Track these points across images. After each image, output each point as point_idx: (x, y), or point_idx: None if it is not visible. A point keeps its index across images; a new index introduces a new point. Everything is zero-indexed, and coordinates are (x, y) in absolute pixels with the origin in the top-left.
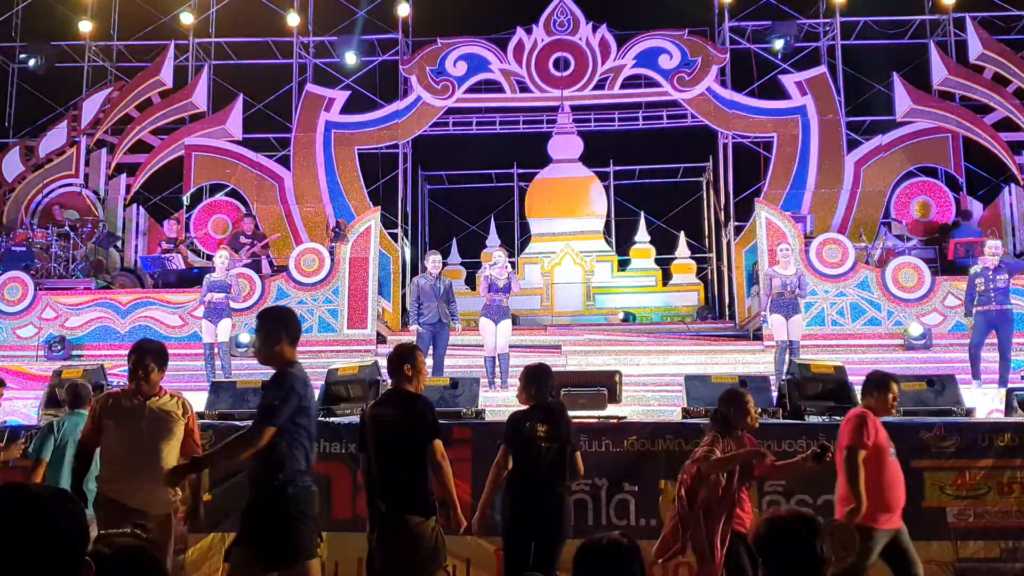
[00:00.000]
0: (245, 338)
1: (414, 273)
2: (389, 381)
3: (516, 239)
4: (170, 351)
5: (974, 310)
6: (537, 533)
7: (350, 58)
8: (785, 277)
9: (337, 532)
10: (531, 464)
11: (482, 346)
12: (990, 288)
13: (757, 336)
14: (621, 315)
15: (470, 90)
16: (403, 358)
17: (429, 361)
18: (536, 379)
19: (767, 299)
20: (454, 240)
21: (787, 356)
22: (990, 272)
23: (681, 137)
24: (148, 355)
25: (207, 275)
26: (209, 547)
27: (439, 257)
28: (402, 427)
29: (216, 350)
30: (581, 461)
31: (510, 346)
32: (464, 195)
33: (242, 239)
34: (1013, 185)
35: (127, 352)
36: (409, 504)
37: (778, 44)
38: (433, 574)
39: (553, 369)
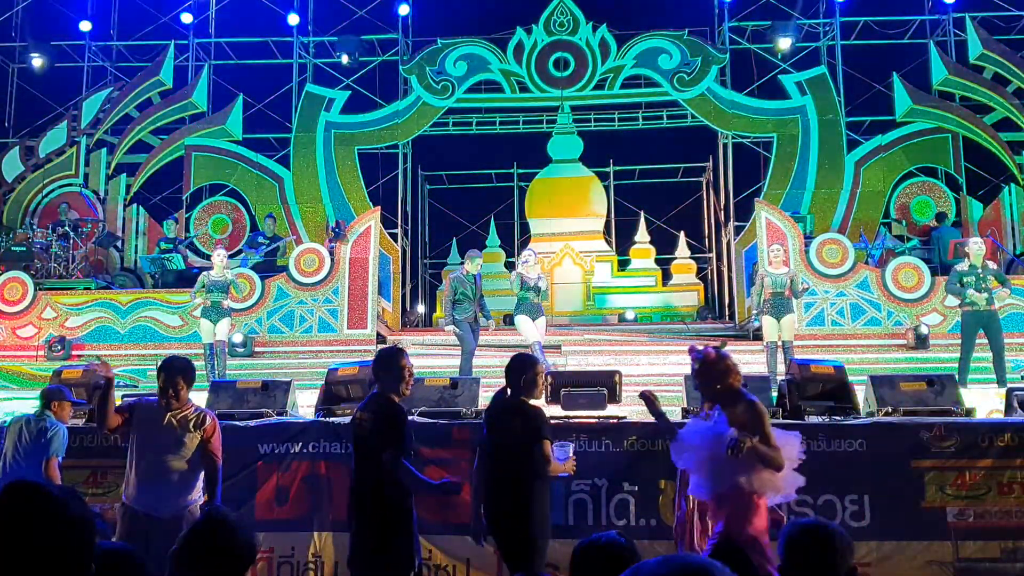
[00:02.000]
0: (239, 337)
1: (414, 273)
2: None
3: (516, 239)
4: (170, 351)
5: (964, 310)
6: (497, 531)
7: (345, 59)
8: (776, 277)
9: (337, 532)
10: (485, 462)
11: (493, 346)
12: (980, 288)
13: (757, 336)
14: (632, 314)
15: (470, 90)
16: (379, 363)
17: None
18: (507, 372)
19: (759, 299)
20: (454, 240)
21: (778, 357)
22: (979, 271)
23: (681, 137)
24: (178, 374)
25: (205, 272)
26: None
27: (481, 259)
28: (370, 432)
29: (214, 349)
30: (548, 453)
31: (511, 346)
32: (464, 195)
33: (260, 239)
34: (1013, 185)
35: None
36: (367, 510)
37: (785, 43)
38: None
39: (553, 369)
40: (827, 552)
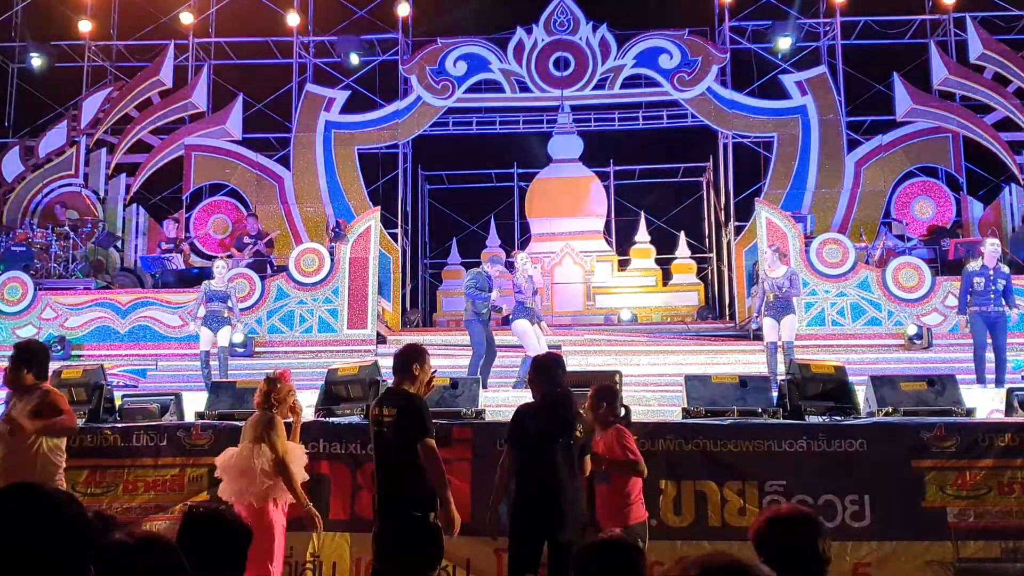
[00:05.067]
0: (239, 337)
1: (414, 273)
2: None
3: (516, 239)
4: (170, 351)
5: (971, 310)
6: (544, 534)
7: (354, 59)
8: (773, 280)
9: (334, 532)
10: (531, 461)
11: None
12: (989, 289)
13: (757, 336)
14: (628, 314)
15: (470, 90)
16: (412, 357)
17: None
18: (541, 370)
19: (760, 303)
20: (454, 240)
21: (777, 357)
22: (991, 272)
23: (681, 137)
24: (18, 360)
25: (206, 282)
26: None
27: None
28: (396, 425)
29: (215, 350)
30: (588, 462)
31: (510, 346)
32: (464, 195)
33: (245, 239)
34: (1013, 185)
35: (126, 352)
36: (400, 503)
37: (785, 43)
38: (429, 572)
39: None
40: (808, 539)
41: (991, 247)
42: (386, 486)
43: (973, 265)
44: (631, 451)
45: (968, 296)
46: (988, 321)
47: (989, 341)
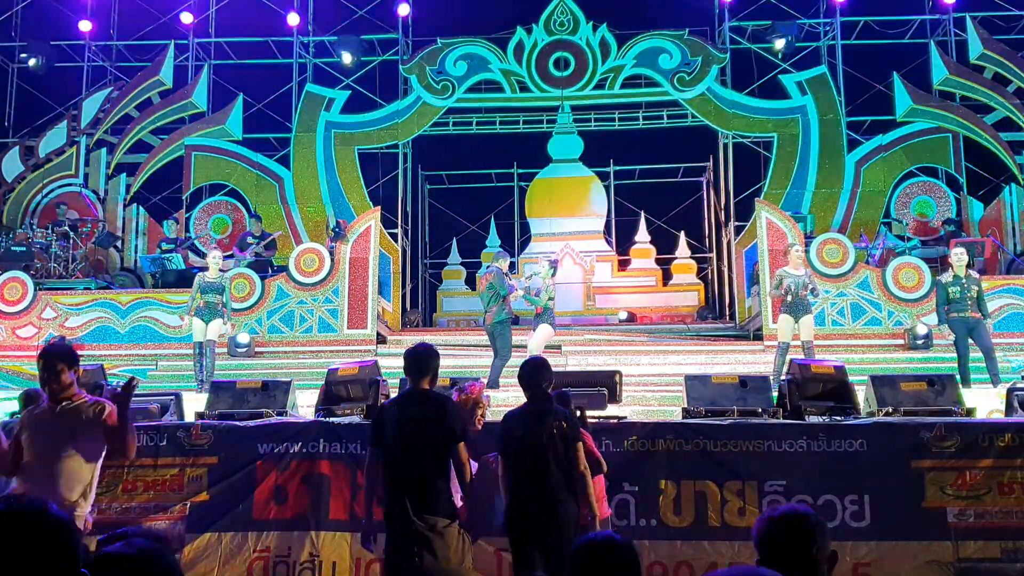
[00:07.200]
0: (244, 338)
1: (414, 273)
2: (408, 380)
3: (516, 239)
4: (170, 351)
5: (951, 317)
6: (534, 535)
7: (347, 57)
8: (795, 277)
9: (334, 532)
10: (517, 464)
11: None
12: (965, 296)
13: (757, 336)
14: (624, 314)
15: (470, 90)
16: (434, 358)
17: None
18: (523, 376)
19: (770, 298)
20: (454, 240)
21: (786, 357)
22: (964, 281)
23: (681, 137)
24: (55, 358)
25: (199, 275)
26: (206, 546)
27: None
28: (429, 428)
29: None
30: (582, 454)
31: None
32: (464, 195)
33: (249, 239)
34: (1013, 185)
35: (126, 352)
36: (434, 505)
37: (779, 44)
38: None
39: (554, 369)
40: (806, 539)
41: (957, 257)
42: (412, 490)
43: (945, 277)
44: (591, 451)
45: (946, 306)
46: (968, 326)
47: (972, 343)
